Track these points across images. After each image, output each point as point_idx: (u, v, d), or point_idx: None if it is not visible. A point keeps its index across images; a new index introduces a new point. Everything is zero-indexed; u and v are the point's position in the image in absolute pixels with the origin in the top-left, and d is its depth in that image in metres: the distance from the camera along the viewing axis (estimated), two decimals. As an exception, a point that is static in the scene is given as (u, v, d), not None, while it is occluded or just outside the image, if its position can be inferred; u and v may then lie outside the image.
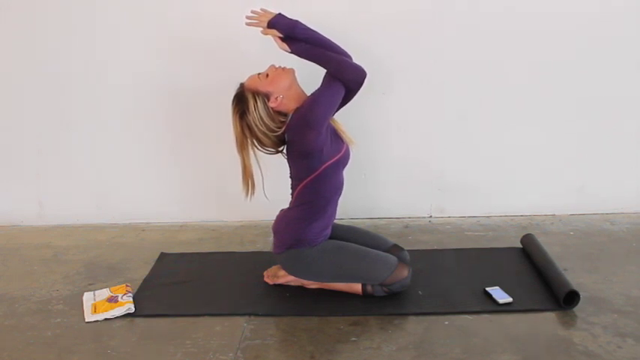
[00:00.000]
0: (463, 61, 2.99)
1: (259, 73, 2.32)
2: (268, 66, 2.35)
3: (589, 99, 3.04)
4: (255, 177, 2.38)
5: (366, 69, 2.26)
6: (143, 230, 3.23)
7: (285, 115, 2.33)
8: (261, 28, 2.38)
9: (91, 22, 3.03)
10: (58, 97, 3.15)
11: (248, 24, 2.39)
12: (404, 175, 3.18)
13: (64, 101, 3.16)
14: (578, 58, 2.99)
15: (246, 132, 2.30)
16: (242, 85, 2.33)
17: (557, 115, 3.07)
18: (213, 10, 2.97)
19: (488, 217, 3.22)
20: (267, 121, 2.28)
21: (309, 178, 2.32)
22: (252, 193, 2.39)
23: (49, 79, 3.12)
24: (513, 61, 2.99)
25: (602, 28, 2.94)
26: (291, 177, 2.42)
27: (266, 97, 2.28)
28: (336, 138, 2.35)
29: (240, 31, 2.89)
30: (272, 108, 2.29)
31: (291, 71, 2.34)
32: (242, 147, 2.33)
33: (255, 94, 2.28)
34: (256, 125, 2.28)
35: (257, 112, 2.27)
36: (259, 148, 2.35)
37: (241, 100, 2.29)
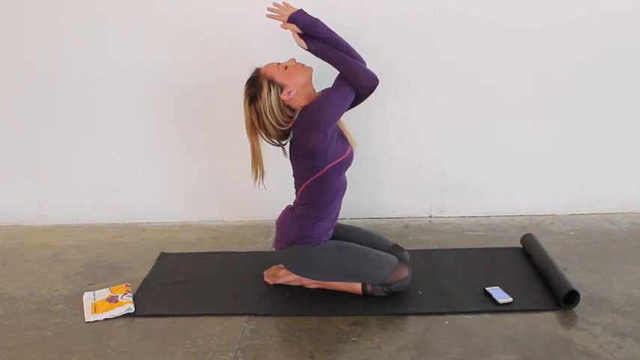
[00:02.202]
0: (463, 61, 3.00)
1: (279, 63, 2.32)
2: (289, 58, 2.35)
3: (589, 99, 3.04)
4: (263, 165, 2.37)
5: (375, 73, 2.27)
6: (143, 230, 3.23)
7: (293, 110, 2.32)
8: (281, 22, 2.37)
9: (91, 22, 3.03)
10: (58, 97, 3.15)
11: (269, 16, 2.39)
12: (404, 175, 3.18)
13: (64, 101, 3.16)
14: (578, 59, 2.99)
15: (254, 118, 2.30)
16: (258, 70, 2.32)
17: (557, 115, 3.07)
18: (215, 9, 2.97)
19: (488, 217, 3.22)
20: (276, 112, 2.27)
21: (312, 178, 2.32)
22: (262, 179, 2.37)
23: (50, 78, 3.12)
24: (513, 62, 2.99)
25: (602, 28, 2.94)
26: (294, 176, 2.42)
27: (280, 88, 2.28)
28: (342, 139, 2.36)
29: (242, 32, 2.91)
30: (283, 101, 2.29)
31: (310, 70, 2.34)
32: (252, 132, 2.32)
33: (271, 82, 2.27)
34: (265, 114, 2.27)
35: (269, 100, 2.26)
36: (265, 137, 2.34)
37: (254, 85, 2.29)
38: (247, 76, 2.34)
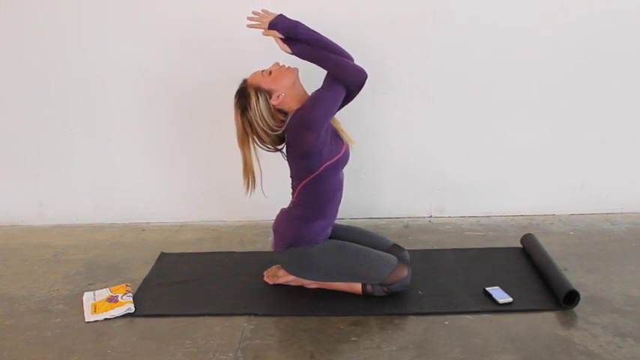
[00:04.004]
0: (462, 61, 3.00)
1: (263, 70, 2.32)
2: (272, 63, 2.35)
3: (589, 99, 3.04)
4: (255, 173, 2.38)
5: (366, 70, 2.27)
6: (143, 230, 3.23)
7: (285, 114, 2.33)
8: (262, 30, 2.38)
9: (91, 22, 3.03)
10: (58, 97, 3.15)
11: (249, 25, 2.40)
12: (404, 175, 3.18)
13: (64, 101, 3.16)
14: (576, 59, 2.99)
15: (247, 128, 2.31)
16: (245, 81, 2.33)
17: (556, 114, 3.07)
18: (214, 10, 2.97)
19: (488, 217, 3.22)
20: (267, 119, 2.28)
21: (308, 178, 2.32)
22: (253, 188, 2.39)
23: (50, 78, 3.12)
24: (513, 61, 2.99)
25: (600, 27, 2.94)
26: (291, 176, 2.42)
27: (268, 94, 2.28)
28: (336, 138, 2.35)
29: (241, 32, 2.89)
30: (273, 106, 2.29)
31: (295, 70, 2.34)
32: (243, 142, 2.33)
33: (258, 90, 2.28)
34: (257, 122, 2.28)
35: (258, 108, 2.27)
36: (259, 144, 2.36)
37: (243, 96, 2.30)
38: (246, 76, 2.34)
